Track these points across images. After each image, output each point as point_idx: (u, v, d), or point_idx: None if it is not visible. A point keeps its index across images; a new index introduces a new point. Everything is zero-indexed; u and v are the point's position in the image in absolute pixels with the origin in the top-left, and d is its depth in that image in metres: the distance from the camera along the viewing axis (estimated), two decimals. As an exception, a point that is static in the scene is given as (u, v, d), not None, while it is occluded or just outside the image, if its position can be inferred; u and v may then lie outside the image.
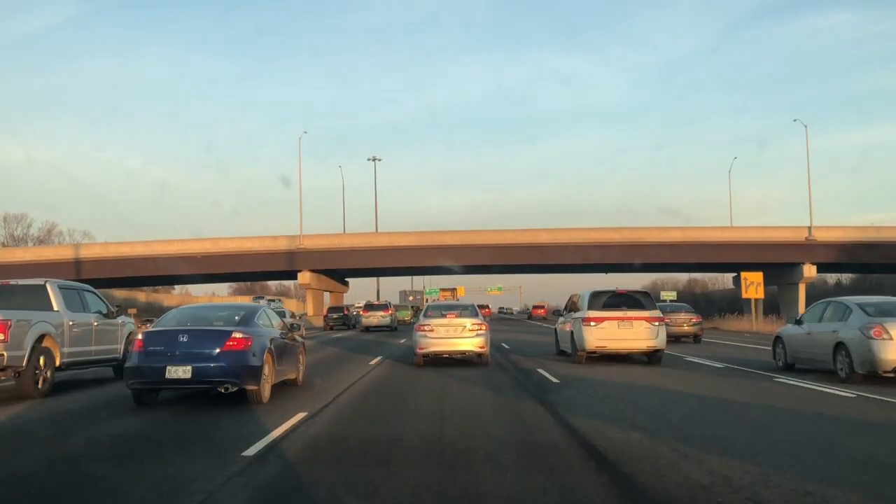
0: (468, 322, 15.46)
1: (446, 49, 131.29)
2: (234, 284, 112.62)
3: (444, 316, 15.76)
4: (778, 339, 15.38)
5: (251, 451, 6.61)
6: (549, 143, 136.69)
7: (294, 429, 7.82)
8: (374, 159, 59.32)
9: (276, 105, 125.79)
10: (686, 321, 25.27)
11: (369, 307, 39.78)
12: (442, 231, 50.93)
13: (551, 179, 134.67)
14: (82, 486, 5.65)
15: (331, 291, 61.94)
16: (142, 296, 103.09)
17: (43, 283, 12.26)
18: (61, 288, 12.46)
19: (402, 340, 24.18)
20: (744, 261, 50.29)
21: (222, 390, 9.46)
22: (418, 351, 15.47)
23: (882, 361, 11.59)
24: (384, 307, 39.52)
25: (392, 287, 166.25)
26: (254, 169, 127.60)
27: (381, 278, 73.74)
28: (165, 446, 7.26)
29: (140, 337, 10.02)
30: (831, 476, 5.68)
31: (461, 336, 15.32)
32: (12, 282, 12.80)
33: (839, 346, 12.52)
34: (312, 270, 51.94)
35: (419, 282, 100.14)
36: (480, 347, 15.36)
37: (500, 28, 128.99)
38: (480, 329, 15.41)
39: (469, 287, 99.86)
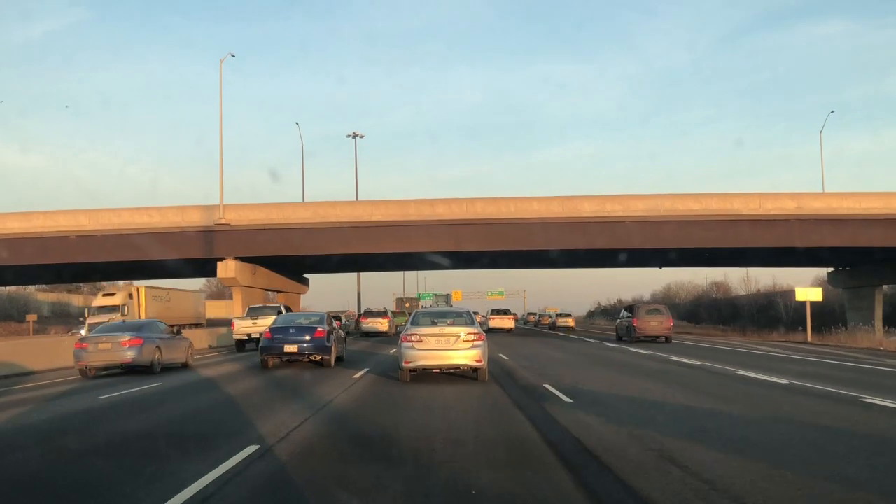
0: (462, 331, 13.50)
1: (441, 57, 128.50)
2: (205, 289, 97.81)
3: (434, 324, 13.95)
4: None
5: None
6: (543, 149, 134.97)
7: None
8: (354, 135, 49.34)
9: (277, 108, 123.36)
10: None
11: (368, 314, 41.27)
12: (434, 199, 33.99)
13: (544, 186, 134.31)
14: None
15: (278, 291, 44.82)
16: (78, 299, 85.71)
17: (279, 305, 29.73)
18: (285, 307, 29.10)
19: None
20: (870, 244, 33.75)
21: (312, 359, 17.48)
22: (404, 365, 13.59)
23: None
24: (383, 314, 41.31)
25: (373, 289, 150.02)
26: (244, 167, 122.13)
27: (357, 275, 57.72)
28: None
29: (267, 329, 18.25)
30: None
31: (454, 347, 13.39)
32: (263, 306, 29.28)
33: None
34: (241, 259, 34.95)
35: (403, 282, 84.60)
36: (476, 361, 13.45)
37: (495, 37, 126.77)
38: (477, 340, 13.52)
39: (466, 291, 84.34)
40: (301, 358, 17.45)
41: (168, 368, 17.76)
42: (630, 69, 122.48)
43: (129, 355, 16.63)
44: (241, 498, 5.37)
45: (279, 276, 41.73)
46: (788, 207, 32.74)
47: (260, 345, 18.22)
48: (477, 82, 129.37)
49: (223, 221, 33.23)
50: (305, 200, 37.14)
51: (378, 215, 33.58)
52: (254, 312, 27.29)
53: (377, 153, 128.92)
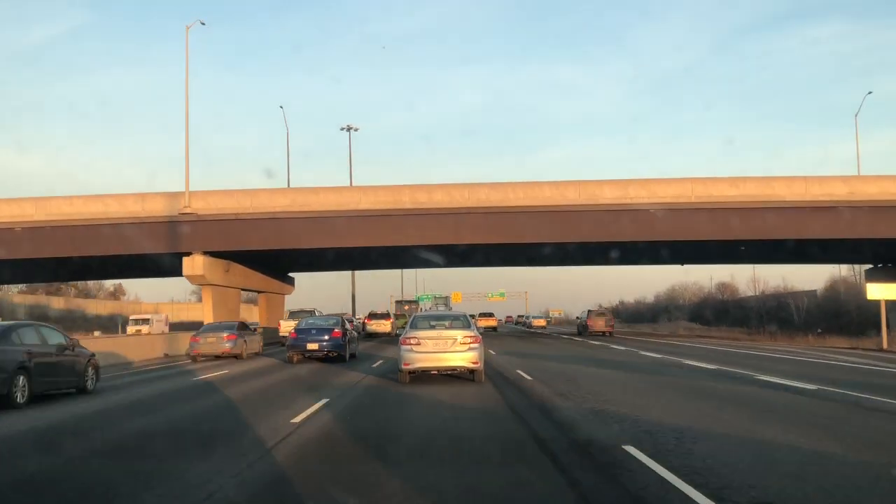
0: (459, 335, 13.81)
1: (439, 60, 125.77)
2: (196, 290, 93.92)
3: (432, 327, 14.32)
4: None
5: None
6: (542, 151, 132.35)
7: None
8: (348, 128, 46.85)
9: (276, 111, 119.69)
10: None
11: (372, 316, 43.22)
12: (430, 185, 29.64)
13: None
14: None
15: (258, 291, 40.42)
16: (58, 302, 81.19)
17: (313, 309, 34.61)
18: (317, 311, 33.93)
19: None
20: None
21: (331, 354, 20.59)
22: (403, 367, 13.96)
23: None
24: (386, 316, 43.33)
25: (369, 290, 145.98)
26: (243, 171, 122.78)
27: (352, 274, 53.92)
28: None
29: (293, 330, 21.90)
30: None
31: (451, 350, 13.66)
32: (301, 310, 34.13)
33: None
34: (211, 254, 30.57)
35: (402, 281, 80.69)
36: (473, 363, 13.80)
37: (494, 39, 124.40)
38: (473, 342, 13.79)
39: (466, 292, 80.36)
40: (321, 354, 20.64)
41: (250, 356, 24.15)
42: (629, 70, 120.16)
43: (227, 346, 22.95)
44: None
45: (258, 275, 37.38)
46: (839, 193, 28.43)
47: (287, 343, 22.39)
48: (475, 84, 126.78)
49: (188, 210, 28.88)
50: (289, 179, 32.87)
51: (367, 203, 29.24)
52: (294, 315, 32.79)
53: (373, 155, 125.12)
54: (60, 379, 13.14)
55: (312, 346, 20.34)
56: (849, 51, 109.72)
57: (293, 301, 48.80)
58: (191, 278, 30.42)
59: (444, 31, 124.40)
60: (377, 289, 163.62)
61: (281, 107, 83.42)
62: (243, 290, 36.74)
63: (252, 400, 12.18)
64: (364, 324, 43.06)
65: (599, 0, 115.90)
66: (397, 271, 74.76)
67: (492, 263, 45.12)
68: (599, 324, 43.80)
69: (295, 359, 20.65)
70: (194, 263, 29.79)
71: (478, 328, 15.81)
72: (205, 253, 30.11)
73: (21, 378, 11.76)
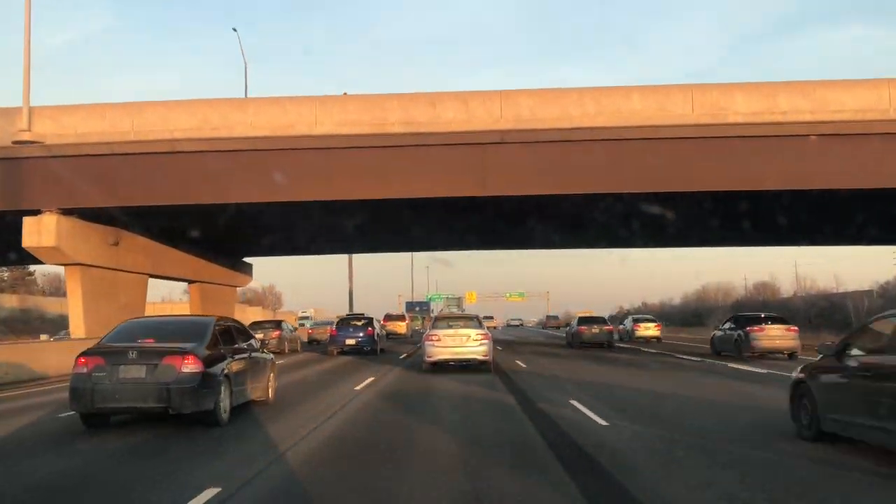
0: (472, 332, 16.52)
1: (457, 63, 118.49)
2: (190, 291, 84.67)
3: (450, 327, 16.88)
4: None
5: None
6: None
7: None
8: (344, 96, 34.33)
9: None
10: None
11: (388, 318, 44.31)
12: (437, 93, 17.54)
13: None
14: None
15: (190, 281, 28.34)
16: (10, 300, 68.99)
17: (362, 313, 30.60)
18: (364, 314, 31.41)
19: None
20: None
21: (366, 349, 24.20)
22: (427, 359, 16.71)
23: None
24: (401, 318, 47.10)
25: (373, 287, 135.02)
26: None
27: (349, 258, 43.32)
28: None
29: (332, 327, 26.81)
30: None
31: (466, 345, 16.34)
32: (355, 312, 34.05)
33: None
34: (79, 213, 18.65)
35: (412, 275, 70.97)
36: (484, 356, 16.37)
37: (505, 44, 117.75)
38: (484, 339, 16.47)
39: (482, 292, 70.92)
40: (357, 348, 24.37)
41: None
42: (640, 73, 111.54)
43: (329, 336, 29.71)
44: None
45: (186, 256, 25.36)
46: None
47: (328, 339, 26.72)
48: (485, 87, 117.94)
49: (28, 137, 16.96)
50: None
51: (330, 124, 17.15)
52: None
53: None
54: (255, 385, 10.50)
55: (350, 341, 24.35)
56: (871, 52, 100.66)
57: (291, 301, 37.36)
58: (38, 252, 18.31)
59: (454, 37, 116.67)
60: (383, 286, 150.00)
61: (234, 29, 72.25)
62: (155, 276, 24.61)
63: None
64: (383, 325, 39.07)
65: (609, 3, 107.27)
66: (406, 262, 65.06)
67: (525, 242, 32.97)
68: (552, 324, 68.89)
69: (335, 352, 24.39)
70: (42, 227, 17.78)
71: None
72: (64, 212, 18.17)
73: (223, 388, 9.00)
